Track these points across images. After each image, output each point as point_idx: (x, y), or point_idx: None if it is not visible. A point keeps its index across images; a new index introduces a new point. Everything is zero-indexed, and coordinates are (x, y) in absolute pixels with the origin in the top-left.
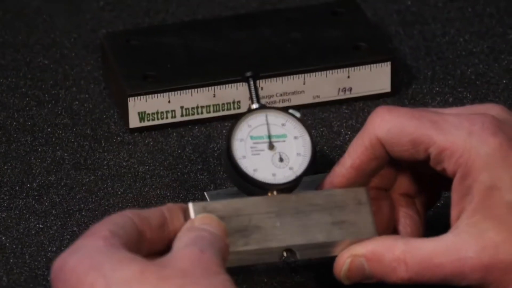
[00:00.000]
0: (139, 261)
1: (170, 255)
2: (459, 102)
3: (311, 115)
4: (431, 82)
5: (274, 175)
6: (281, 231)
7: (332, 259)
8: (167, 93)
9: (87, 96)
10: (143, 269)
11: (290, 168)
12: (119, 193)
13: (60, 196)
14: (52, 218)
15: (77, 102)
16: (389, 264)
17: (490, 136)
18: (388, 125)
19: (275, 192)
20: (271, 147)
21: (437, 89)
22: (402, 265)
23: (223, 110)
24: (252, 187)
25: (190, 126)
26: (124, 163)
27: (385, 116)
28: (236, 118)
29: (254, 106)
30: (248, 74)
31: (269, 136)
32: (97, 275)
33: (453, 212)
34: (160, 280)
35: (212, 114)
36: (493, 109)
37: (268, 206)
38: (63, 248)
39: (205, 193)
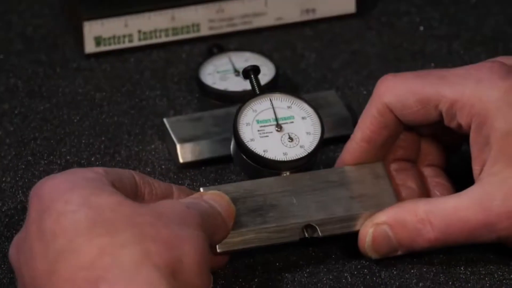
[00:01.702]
0: (121, 196)
1: (157, 202)
2: (426, 22)
3: (274, 38)
4: (397, 2)
5: (285, 154)
6: (299, 208)
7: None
8: (124, 17)
9: (41, 21)
10: (122, 201)
11: (301, 147)
12: (75, 121)
13: (14, 124)
14: (6, 147)
15: (30, 28)
16: (414, 227)
17: (499, 80)
18: (394, 90)
19: (288, 172)
20: (279, 128)
21: (404, 8)
22: (428, 226)
23: (182, 33)
24: (264, 168)
25: (148, 51)
26: (80, 90)
27: (390, 82)
28: (239, 105)
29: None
30: (249, 67)
31: (276, 119)
32: (74, 195)
33: (475, 167)
34: (134, 214)
35: (171, 38)
36: (500, 58)
37: (283, 185)
38: (17, 179)
39: (164, 120)
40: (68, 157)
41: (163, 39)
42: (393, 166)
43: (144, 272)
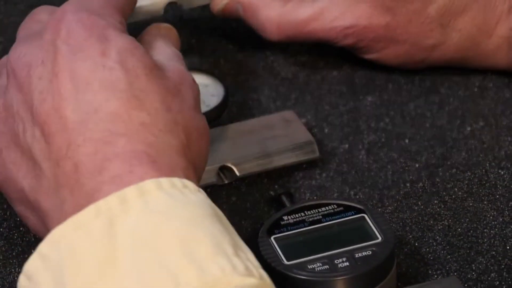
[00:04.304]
0: (150, 57)
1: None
2: None
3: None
4: None
5: None
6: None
7: None
8: None
9: None
10: (153, 66)
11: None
12: None
13: None
14: None
15: None
16: (262, 22)
17: None
18: None
19: None
20: None
21: None
22: (274, 28)
23: None
24: None
25: None
26: None
27: None
28: None
29: None
30: None
31: None
32: (111, 48)
33: None
34: (163, 85)
35: None
36: None
37: None
38: None
39: None
40: None
41: None
42: None
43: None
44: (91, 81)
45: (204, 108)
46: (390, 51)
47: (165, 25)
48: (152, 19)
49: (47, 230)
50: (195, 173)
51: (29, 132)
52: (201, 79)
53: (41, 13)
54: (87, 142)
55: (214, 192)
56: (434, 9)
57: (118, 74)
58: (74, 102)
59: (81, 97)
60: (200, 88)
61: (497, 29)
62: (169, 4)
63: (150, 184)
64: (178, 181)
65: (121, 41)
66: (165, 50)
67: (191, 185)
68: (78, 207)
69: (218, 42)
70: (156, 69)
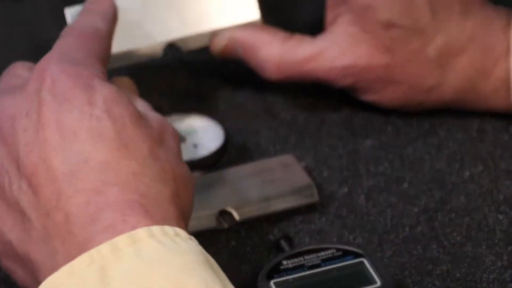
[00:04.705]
0: (134, 105)
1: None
2: None
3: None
4: None
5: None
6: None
7: None
8: None
9: None
10: (138, 115)
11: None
12: None
13: None
14: None
15: None
16: (261, 61)
17: None
18: None
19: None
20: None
21: None
22: (273, 67)
23: None
24: None
25: None
26: None
27: None
28: None
29: None
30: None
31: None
32: (97, 98)
33: (329, 15)
34: (148, 131)
35: None
36: None
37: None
38: None
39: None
40: None
41: None
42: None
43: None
44: (79, 131)
45: (203, 152)
46: (389, 92)
47: (126, 78)
48: (150, 61)
49: (37, 282)
50: (184, 221)
51: (15, 185)
52: (201, 122)
53: (19, 69)
54: (79, 193)
55: (213, 236)
56: (432, 49)
57: (106, 123)
58: (63, 153)
59: (69, 147)
60: (200, 131)
61: (495, 71)
62: (168, 46)
63: (142, 233)
64: (169, 229)
65: (106, 90)
66: (139, 100)
67: (182, 233)
68: (71, 257)
69: (218, 85)
70: (141, 118)
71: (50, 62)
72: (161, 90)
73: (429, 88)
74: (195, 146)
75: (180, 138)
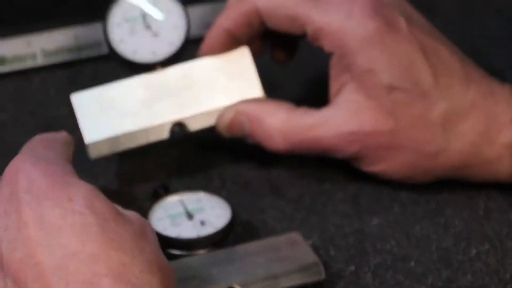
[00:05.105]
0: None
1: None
2: None
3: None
4: None
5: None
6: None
7: None
8: (26, 35)
9: None
10: (117, 210)
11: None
12: None
13: None
14: None
15: None
16: (267, 131)
17: (368, 19)
18: None
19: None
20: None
21: None
22: (279, 136)
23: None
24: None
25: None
26: None
27: None
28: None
29: None
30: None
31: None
32: (77, 194)
33: (333, 86)
34: (129, 229)
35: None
36: None
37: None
38: None
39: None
40: None
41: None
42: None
43: None
44: (63, 227)
45: (210, 230)
46: (395, 160)
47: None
48: (157, 142)
49: None
50: None
51: (0, 284)
52: (208, 201)
53: None
54: (71, 285)
55: None
56: (436, 114)
57: (89, 218)
58: (48, 247)
59: (55, 242)
60: (207, 209)
61: (500, 137)
62: (175, 125)
63: None
64: None
65: (83, 187)
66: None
67: None
68: None
69: (224, 163)
70: (121, 214)
71: (23, 162)
72: (168, 168)
73: (434, 153)
74: (202, 223)
75: (187, 215)
